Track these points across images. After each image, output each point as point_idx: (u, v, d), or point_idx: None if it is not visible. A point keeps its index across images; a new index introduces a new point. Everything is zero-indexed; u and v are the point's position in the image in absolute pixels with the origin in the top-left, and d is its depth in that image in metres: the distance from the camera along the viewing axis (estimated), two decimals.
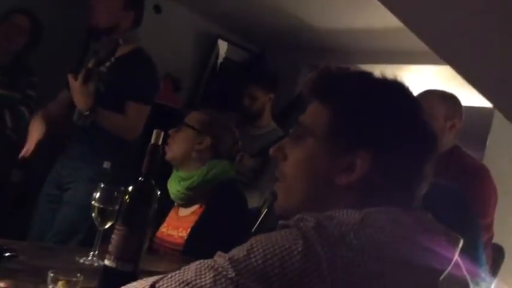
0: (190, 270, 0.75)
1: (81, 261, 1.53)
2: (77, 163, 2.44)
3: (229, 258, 0.73)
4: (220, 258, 0.75)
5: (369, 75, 0.95)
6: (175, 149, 2.07)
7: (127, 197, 1.28)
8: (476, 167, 2.21)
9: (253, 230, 2.46)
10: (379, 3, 1.90)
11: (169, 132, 2.05)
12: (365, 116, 0.88)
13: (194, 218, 1.98)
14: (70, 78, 2.30)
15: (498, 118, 3.00)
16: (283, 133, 3.15)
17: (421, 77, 3.76)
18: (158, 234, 2.06)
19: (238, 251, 0.75)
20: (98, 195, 1.56)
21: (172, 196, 2.06)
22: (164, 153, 2.05)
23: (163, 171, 2.09)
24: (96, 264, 1.52)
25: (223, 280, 0.71)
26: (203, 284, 0.72)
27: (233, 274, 0.71)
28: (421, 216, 0.85)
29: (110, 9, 2.47)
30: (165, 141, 1.93)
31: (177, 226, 2.02)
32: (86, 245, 1.72)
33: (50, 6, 3.45)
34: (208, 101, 4.30)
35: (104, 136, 2.39)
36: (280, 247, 0.72)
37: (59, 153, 2.58)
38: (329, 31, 3.81)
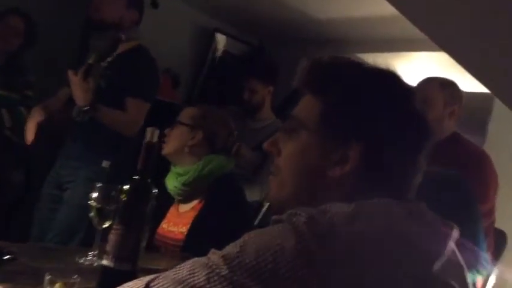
0: (184, 269, 0.75)
1: (81, 261, 1.53)
2: (75, 163, 2.44)
3: (222, 256, 0.73)
4: (214, 256, 0.74)
5: (360, 66, 0.94)
6: (169, 146, 2.08)
7: (123, 195, 1.27)
8: (477, 153, 2.21)
9: (256, 223, 2.47)
10: None
11: (165, 132, 2.06)
12: (357, 108, 0.87)
13: (194, 214, 1.98)
14: (70, 73, 2.30)
15: (498, 104, 2.97)
16: None
17: (422, 64, 3.74)
18: (159, 230, 2.06)
19: (231, 248, 0.74)
20: (95, 194, 1.56)
21: (171, 192, 2.07)
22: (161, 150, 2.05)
23: (163, 168, 2.10)
24: (95, 264, 1.52)
25: (216, 278, 0.71)
26: (197, 282, 0.71)
27: (226, 271, 0.70)
28: (415, 207, 0.84)
29: (116, 5, 2.51)
30: (161, 139, 1.93)
31: (178, 222, 2.03)
32: (86, 244, 1.72)
33: (47, 6, 3.44)
34: (208, 95, 4.29)
35: (102, 135, 2.39)
36: (272, 243, 0.71)
37: (59, 153, 2.58)
38: (328, 21, 3.78)
